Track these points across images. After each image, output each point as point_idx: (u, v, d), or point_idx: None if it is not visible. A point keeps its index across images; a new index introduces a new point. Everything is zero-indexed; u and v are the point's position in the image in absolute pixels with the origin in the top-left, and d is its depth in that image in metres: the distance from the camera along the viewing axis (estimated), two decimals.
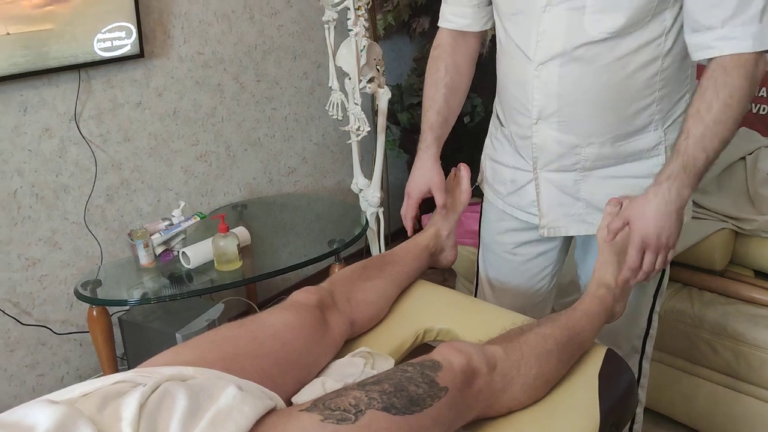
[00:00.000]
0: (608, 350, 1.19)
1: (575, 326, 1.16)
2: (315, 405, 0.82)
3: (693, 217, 2.10)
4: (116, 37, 2.09)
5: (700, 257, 2.06)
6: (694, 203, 2.13)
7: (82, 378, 2.31)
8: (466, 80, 1.47)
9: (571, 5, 1.17)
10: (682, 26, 1.19)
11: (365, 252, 2.94)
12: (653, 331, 1.55)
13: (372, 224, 2.41)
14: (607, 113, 1.25)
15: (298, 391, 1.03)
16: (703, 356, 1.98)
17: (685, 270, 2.12)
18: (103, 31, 2.04)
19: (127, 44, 2.12)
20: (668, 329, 2.04)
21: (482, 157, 1.57)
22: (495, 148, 1.49)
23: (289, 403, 0.99)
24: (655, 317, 1.53)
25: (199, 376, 0.88)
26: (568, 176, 1.34)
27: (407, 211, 1.46)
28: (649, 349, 1.56)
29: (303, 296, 1.14)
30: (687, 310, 2.00)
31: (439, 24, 1.46)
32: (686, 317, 2.00)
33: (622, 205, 1.27)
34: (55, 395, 0.83)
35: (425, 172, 1.43)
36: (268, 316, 1.07)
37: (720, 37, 1.11)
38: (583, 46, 1.19)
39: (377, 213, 2.40)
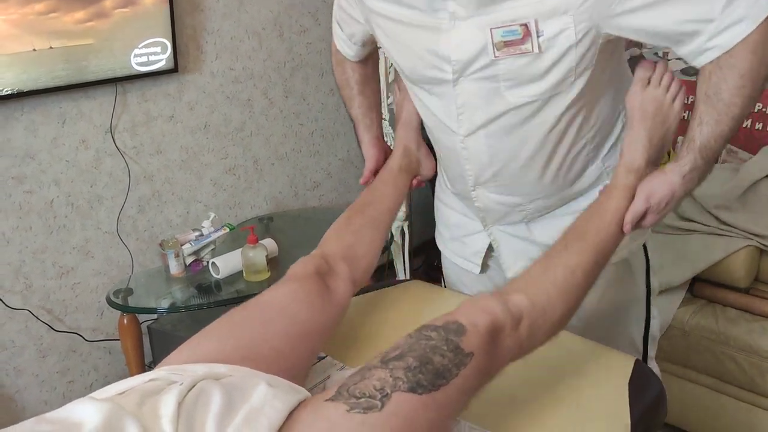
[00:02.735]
0: (637, 360, 1.21)
1: (603, 240, 1.08)
2: (339, 393, 0.81)
3: (718, 234, 2.11)
4: (152, 52, 2.15)
5: (725, 274, 2.06)
6: (719, 220, 2.14)
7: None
8: (373, 68, 1.50)
9: (482, 75, 1.11)
10: (611, 67, 1.15)
11: (388, 266, 2.97)
12: (654, 332, 1.47)
13: (397, 238, 2.44)
14: (543, 172, 1.23)
15: (313, 361, 1.06)
16: (728, 373, 1.98)
17: (709, 287, 2.13)
18: (139, 46, 2.11)
19: (162, 59, 2.18)
20: (693, 346, 2.04)
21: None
22: (442, 188, 1.49)
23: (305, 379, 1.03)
24: (655, 312, 1.46)
25: (232, 373, 0.90)
26: (519, 226, 1.35)
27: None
28: (651, 352, 1.48)
29: (300, 267, 1.14)
30: (712, 327, 2.00)
31: (334, 39, 1.46)
32: (711, 334, 2.00)
33: (655, 68, 1.19)
34: (94, 395, 0.84)
35: (365, 151, 1.49)
36: (274, 292, 1.09)
37: (712, 36, 0.99)
38: (506, 113, 1.14)
39: (402, 227, 2.43)
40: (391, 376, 0.80)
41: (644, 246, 1.39)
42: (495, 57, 1.07)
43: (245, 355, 0.93)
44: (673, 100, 1.18)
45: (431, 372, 0.81)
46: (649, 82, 1.18)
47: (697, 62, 1.03)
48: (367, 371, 0.82)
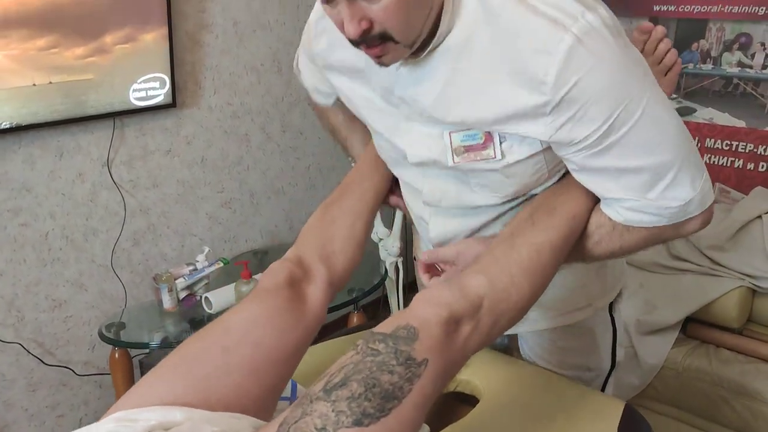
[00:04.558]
0: (626, 405, 1.20)
1: (573, 214, 0.99)
2: None
3: (711, 274, 2.12)
4: (150, 87, 2.17)
5: (717, 315, 2.07)
6: (711, 260, 2.15)
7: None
8: None
9: (446, 172, 1.02)
10: None
11: (383, 301, 2.96)
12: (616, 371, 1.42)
13: (391, 274, 2.44)
14: None
15: (284, 388, 0.96)
16: (721, 414, 1.97)
17: (702, 327, 2.13)
18: (138, 81, 2.13)
19: (160, 94, 2.21)
20: (686, 387, 2.03)
21: None
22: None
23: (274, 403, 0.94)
24: (620, 351, 1.39)
25: (187, 420, 0.82)
26: None
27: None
28: (611, 379, 1.41)
29: (270, 278, 1.03)
30: (705, 368, 2.00)
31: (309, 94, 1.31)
32: (704, 375, 2.00)
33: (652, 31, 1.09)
34: None
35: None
36: (235, 316, 0.98)
37: (631, 207, 0.94)
38: (479, 207, 1.06)
39: (396, 263, 2.43)
40: (333, 410, 0.71)
41: (612, 316, 1.33)
42: (454, 163, 0.98)
43: (203, 396, 0.85)
44: (666, 72, 1.13)
45: (379, 395, 0.72)
46: (643, 48, 1.11)
47: (604, 207, 0.98)
48: (309, 405, 0.72)
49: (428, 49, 0.90)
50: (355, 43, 0.85)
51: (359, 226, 1.17)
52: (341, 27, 0.85)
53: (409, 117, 0.99)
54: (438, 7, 0.87)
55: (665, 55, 1.12)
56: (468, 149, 0.97)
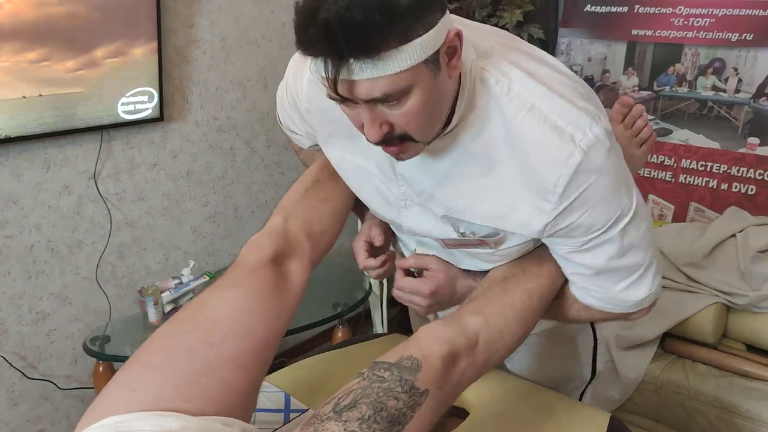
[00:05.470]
0: (612, 416, 1.24)
1: (558, 267, 1.06)
2: None
3: (687, 291, 2.18)
4: (139, 101, 2.19)
5: (693, 330, 2.12)
6: (688, 277, 2.21)
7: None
8: None
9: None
10: None
11: (365, 315, 2.98)
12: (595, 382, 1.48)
13: (375, 289, 2.47)
14: None
15: (263, 375, 0.96)
16: (698, 428, 2.02)
17: (679, 342, 2.18)
18: (127, 95, 2.14)
19: (148, 108, 2.22)
20: (665, 401, 2.08)
21: None
22: None
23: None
24: (600, 362, 1.46)
25: (180, 431, 0.81)
26: None
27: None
28: (589, 388, 1.47)
29: (255, 256, 0.99)
30: (682, 382, 2.05)
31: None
32: (682, 389, 2.05)
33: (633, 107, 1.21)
34: None
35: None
36: (220, 307, 0.94)
37: (591, 288, 1.03)
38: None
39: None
40: (344, 430, 0.75)
41: (593, 327, 1.38)
42: (448, 248, 1.06)
43: (192, 395, 0.84)
44: (641, 144, 1.21)
45: (386, 419, 0.77)
46: (622, 120, 1.20)
47: (571, 282, 1.05)
48: (320, 423, 0.76)
49: (437, 137, 0.91)
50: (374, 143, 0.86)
51: (347, 209, 1.18)
52: (360, 128, 0.84)
53: (407, 196, 1.01)
54: (451, 102, 0.87)
55: (642, 129, 1.22)
56: (462, 244, 1.03)
